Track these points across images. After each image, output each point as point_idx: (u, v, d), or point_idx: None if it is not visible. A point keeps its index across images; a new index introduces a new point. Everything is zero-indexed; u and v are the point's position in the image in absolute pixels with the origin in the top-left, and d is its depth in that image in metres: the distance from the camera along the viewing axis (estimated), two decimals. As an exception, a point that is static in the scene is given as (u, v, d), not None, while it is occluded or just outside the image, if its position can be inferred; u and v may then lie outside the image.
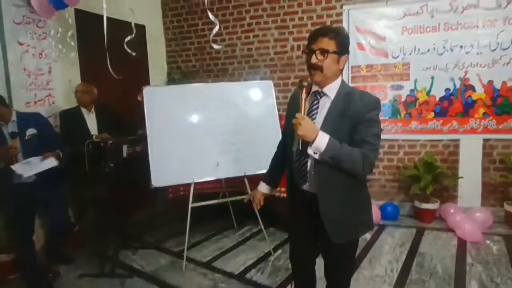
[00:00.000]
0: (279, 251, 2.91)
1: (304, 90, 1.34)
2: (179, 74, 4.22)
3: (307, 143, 1.31)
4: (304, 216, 1.53)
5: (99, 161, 2.41)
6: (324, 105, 1.42)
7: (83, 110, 2.85)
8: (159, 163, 2.64)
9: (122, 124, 2.93)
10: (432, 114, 3.54)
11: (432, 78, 3.49)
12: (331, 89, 1.41)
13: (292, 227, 1.69)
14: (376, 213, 3.50)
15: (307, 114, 1.39)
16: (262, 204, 1.75)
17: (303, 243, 1.62)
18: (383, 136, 3.80)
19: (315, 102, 1.44)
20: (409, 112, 3.60)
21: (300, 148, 1.35)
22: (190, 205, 2.68)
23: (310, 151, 1.32)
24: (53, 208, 2.44)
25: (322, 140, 1.28)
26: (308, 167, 1.43)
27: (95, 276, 2.49)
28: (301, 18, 3.79)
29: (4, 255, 2.61)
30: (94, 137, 2.57)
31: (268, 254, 2.86)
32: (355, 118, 1.34)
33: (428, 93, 3.54)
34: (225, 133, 2.87)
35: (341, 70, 1.44)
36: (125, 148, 2.60)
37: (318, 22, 3.72)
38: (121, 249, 2.79)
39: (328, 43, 1.34)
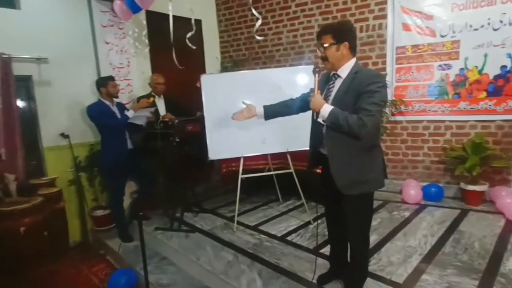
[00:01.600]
0: (319, 221, 3.20)
1: (317, 75, 1.75)
2: (230, 63, 4.65)
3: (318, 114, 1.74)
4: (325, 173, 1.88)
5: (168, 136, 2.98)
6: (338, 84, 1.77)
7: (151, 99, 3.44)
8: (215, 139, 3.11)
9: (184, 107, 3.47)
10: (485, 93, 3.43)
11: (486, 55, 3.36)
12: (343, 71, 1.76)
13: (321, 184, 2.04)
14: (418, 193, 3.57)
15: (326, 92, 1.80)
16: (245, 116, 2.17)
17: (329, 197, 2.00)
18: (428, 118, 3.79)
19: (331, 83, 1.82)
20: (457, 92, 3.53)
21: (315, 118, 1.77)
22: (240, 177, 3.12)
23: (319, 119, 1.74)
24: (143, 173, 3.17)
25: (325, 110, 1.69)
26: (323, 133, 1.80)
27: (167, 230, 3.10)
28: (345, 2, 3.89)
29: (101, 211, 3.39)
30: (161, 117, 3.14)
31: (308, 223, 3.19)
32: (358, 91, 1.66)
33: (480, 71, 3.42)
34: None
35: (352, 54, 1.74)
36: (187, 127, 3.13)
37: (362, 5, 3.79)
38: (185, 211, 3.37)
39: (325, 39, 1.73)
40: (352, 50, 1.75)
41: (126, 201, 3.39)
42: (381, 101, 1.65)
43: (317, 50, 1.78)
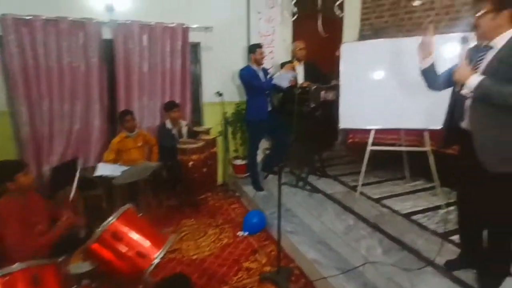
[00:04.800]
0: (451, 207, 2.95)
1: (464, 45, 1.71)
2: (370, 31, 4.42)
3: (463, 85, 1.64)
4: (463, 151, 1.80)
5: (304, 101, 3.22)
6: (489, 56, 1.61)
7: (295, 62, 3.69)
8: (348, 108, 3.16)
9: (321, 74, 3.62)
10: None
11: None
12: (499, 41, 1.59)
13: (457, 165, 1.94)
14: None
15: (474, 64, 1.69)
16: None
17: (466, 179, 1.88)
18: None
19: (482, 54, 1.66)
20: None
21: (458, 90, 1.72)
22: (368, 148, 3.12)
23: (463, 91, 1.66)
24: (279, 133, 3.58)
25: (473, 81, 1.58)
26: (466, 106, 1.70)
27: (292, 186, 3.47)
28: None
29: (239, 160, 4.03)
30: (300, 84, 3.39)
31: (438, 208, 2.98)
32: None
33: None
34: (411, 87, 2.99)
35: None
36: (322, 94, 3.28)
37: None
38: (310, 173, 3.65)
39: (483, 4, 1.55)
40: None
41: (260, 156, 3.91)
42: None
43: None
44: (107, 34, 3.32)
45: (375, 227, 2.68)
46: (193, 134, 3.56)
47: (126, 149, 3.29)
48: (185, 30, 3.55)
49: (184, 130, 3.55)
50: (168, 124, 3.49)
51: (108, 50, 3.37)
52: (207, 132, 3.67)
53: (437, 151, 3.11)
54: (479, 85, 1.56)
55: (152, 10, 3.45)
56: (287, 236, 2.85)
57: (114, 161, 3.24)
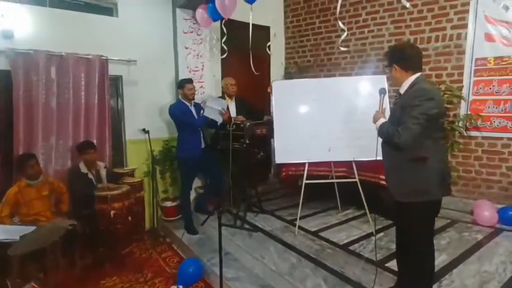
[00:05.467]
0: (381, 234, 3.12)
1: (382, 95, 2.07)
2: (294, 68, 4.72)
3: None
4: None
5: (239, 138, 3.13)
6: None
7: (227, 98, 3.63)
8: (282, 144, 3.19)
9: (253, 110, 3.61)
10: None
11: None
12: (403, 88, 1.93)
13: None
14: (493, 216, 3.31)
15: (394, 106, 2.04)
16: None
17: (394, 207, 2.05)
18: (509, 135, 3.50)
19: (396, 98, 2.03)
20: (547, 109, 3.23)
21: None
22: (304, 182, 3.16)
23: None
24: (214, 171, 3.39)
25: (377, 124, 1.96)
26: None
27: (231, 227, 3.25)
28: (420, 11, 3.76)
29: (169, 202, 3.66)
30: (233, 118, 3.31)
31: (370, 235, 3.11)
32: (403, 106, 1.83)
33: None
34: (337, 122, 3.21)
35: (409, 72, 1.88)
36: (256, 130, 3.25)
37: (439, 13, 3.64)
38: (248, 211, 3.50)
39: (386, 61, 2.04)
40: (407, 69, 1.88)
41: (192, 195, 3.62)
42: (420, 114, 1.73)
43: None
44: (3, 65, 2.78)
45: (318, 263, 2.63)
46: (114, 177, 3.11)
47: (27, 200, 2.68)
48: (104, 62, 3.21)
49: (103, 173, 3.05)
50: (83, 168, 2.98)
51: (4, 83, 2.81)
52: (131, 174, 3.26)
53: (364, 180, 3.33)
54: (380, 126, 1.92)
55: (63, 39, 3.05)
56: (228, 285, 2.59)
57: (11, 216, 2.61)
